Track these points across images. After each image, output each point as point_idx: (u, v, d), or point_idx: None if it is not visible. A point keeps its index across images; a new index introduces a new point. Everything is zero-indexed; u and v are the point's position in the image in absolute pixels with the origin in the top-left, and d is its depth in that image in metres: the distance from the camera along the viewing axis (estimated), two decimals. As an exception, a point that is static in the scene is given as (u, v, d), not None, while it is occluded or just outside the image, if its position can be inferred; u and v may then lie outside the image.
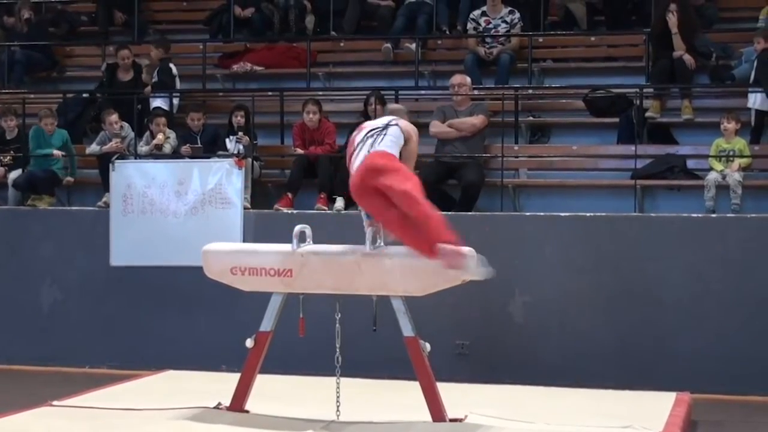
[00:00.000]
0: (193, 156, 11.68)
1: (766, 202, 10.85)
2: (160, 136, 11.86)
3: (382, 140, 7.55)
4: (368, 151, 7.49)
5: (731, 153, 10.85)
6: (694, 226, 10.24)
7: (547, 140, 12.69)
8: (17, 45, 14.84)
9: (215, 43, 15.03)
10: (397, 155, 7.56)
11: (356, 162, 7.52)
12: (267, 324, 7.77)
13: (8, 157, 12.42)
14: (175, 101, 13.18)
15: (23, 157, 12.29)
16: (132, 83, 13.32)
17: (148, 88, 13.08)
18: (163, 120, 12.04)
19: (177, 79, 13.31)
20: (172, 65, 13.32)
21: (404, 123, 7.76)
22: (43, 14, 15.91)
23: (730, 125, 10.91)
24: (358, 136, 7.72)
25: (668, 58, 12.21)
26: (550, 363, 10.20)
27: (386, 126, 7.66)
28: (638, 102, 11.72)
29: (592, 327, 10.23)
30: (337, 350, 7.71)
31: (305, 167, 11.57)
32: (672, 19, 12.14)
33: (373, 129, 7.68)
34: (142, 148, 11.96)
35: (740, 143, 10.92)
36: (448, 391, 7.77)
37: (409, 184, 7.33)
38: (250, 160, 11.53)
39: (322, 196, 11.29)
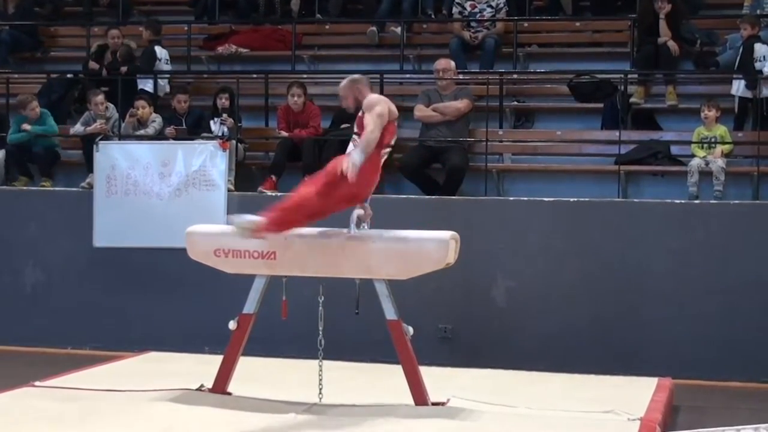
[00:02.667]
0: (177, 138, 11.66)
1: (749, 189, 10.89)
2: (141, 111, 11.81)
3: None
4: None
5: (713, 140, 10.87)
6: (677, 212, 10.28)
7: (531, 125, 12.71)
8: (3, 24, 14.77)
9: (200, 24, 14.98)
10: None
11: None
12: (250, 306, 7.78)
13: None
14: (164, 83, 13.13)
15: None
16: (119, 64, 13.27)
17: (124, 68, 13.00)
18: (142, 103, 12.00)
19: (162, 62, 13.23)
20: (159, 48, 13.25)
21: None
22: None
23: (710, 113, 10.93)
24: None
25: (653, 44, 12.23)
26: (533, 347, 10.23)
27: None
28: (623, 88, 11.75)
29: (574, 312, 10.25)
30: (320, 333, 7.71)
31: (289, 150, 11.56)
32: (664, 7, 12.15)
33: None
34: (123, 125, 11.92)
35: (721, 130, 10.94)
36: (430, 374, 7.80)
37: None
38: (234, 142, 11.51)
39: (306, 179, 11.26)
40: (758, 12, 12.67)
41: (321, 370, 7.70)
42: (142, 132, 11.86)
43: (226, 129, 11.65)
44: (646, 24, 12.48)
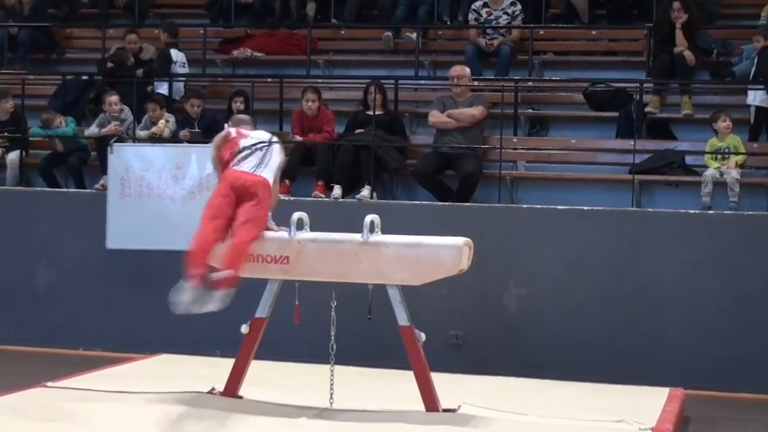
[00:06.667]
0: (191, 141, 11.67)
1: (763, 200, 10.86)
2: (161, 124, 11.85)
3: (269, 160, 7.82)
4: (258, 164, 7.75)
5: (726, 150, 10.85)
6: (690, 223, 10.25)
7: (545, 133, 12.70)
8: (16, 25, 14.80)
9: (216, 28, 15.01)
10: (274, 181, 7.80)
11: (245, 164, 7.75)
12: (262, 310, 7.78)
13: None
14: (180, 86, 13.15)
15: (22, 138, 12.32)
16: (135, 67, 13.27)
17: (140, 71, 13.04)
18: (155, 106, 12.02)
19: (178, 65, 13.24)
20: (175, 51, 13.28)
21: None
22: (43, -5, 15.87)
23: (723, 124, 10.90)
24: (243, 140, 7.91)
25: (669, 54, 12.22)
26: (544, 355, 10.21)
27: (270, 142, 7.94)
28: (638, 97, 11.72)
29: (586, 321, 10.24)
30: (332, 338, 7.72)
31: (303, 155, 11.56)
32: (680, 17, 12.14)
33: (261, 142, 7.92)
34: (141, 132, 11.95)
35: (734, 140, 10.91)
36: (441, 381, 7.79)
37: (250, 235, 7.58)
38: (248, 146, 11.50)
39: (319, 183, 11.28)
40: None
41: (332, 375, 7.71)
42: (154, 130, 11.86)
43: (240, 133, 11.64)
44: (662, 33, 12.46)
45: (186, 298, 7.30)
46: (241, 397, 7.87)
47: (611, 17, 13.97)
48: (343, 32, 14.53)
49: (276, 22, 14.85)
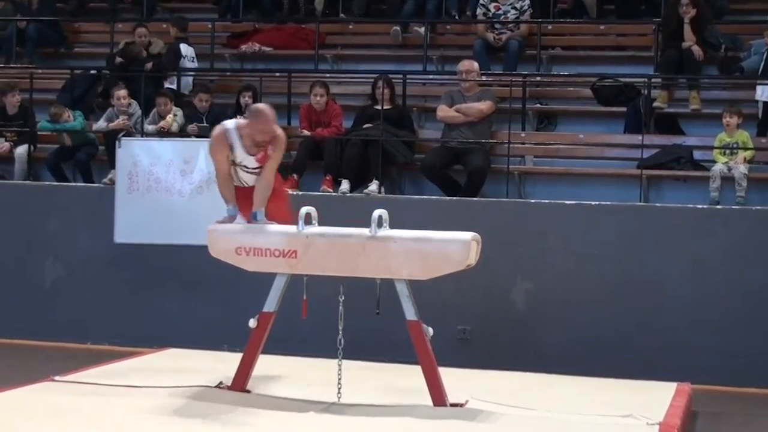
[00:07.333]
0: (199, 135, 11.67)
1: (771, 195, 10.86)
2: (168, 118, 11.87)
3: None
4: None
5: (734, 145, 10.83)
6: (698, 217, 10.24)
7: (553, 128, 12.69)
8: (24, 19, 14.82)
9: (224, 22, 15.02)
10: None
11: None
12: (270, 305, 7.79)
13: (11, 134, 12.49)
14: (189, 81, 13.16)
15: (30, 132, 12.33)
16: (145, 61, 13.28)
17: (149, 65, 13.06)
18: (164, 100, 12.04)
19: (187, 60, 13.25)
20: (184, 46, 13.28)
21: None
22: (52, -10, 15.90)
23: (732, 120, 10.88)
24: None
25: (677, 49, 12.20)
26: (552, 350, 10.21)
27: None
28: (646, 92, 11.71)
29: (593, 316, 10.23)
30: (340, 332, 7.73)
31: (311, 149, 11.57)
32: (688, 12, 12.13)
33: None
34: (148, 127, 11.96)
35: (743, 136, 10.89)
36: (449, 376, 7.80)
37: None
38: (256, 140, 11.51)
39: (327, 178, 11.28)
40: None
41: (340, 370, 7.72)
42: (162, 124, 11.88)
43: (248, 127, 11.65)
44: (670, 28, 12.45)
45: None
46: (248, 392, 7.88)
47: (619, 12, 13.97)
48: (351, 27, 14.54)
49: (284, 16, 14.87)
